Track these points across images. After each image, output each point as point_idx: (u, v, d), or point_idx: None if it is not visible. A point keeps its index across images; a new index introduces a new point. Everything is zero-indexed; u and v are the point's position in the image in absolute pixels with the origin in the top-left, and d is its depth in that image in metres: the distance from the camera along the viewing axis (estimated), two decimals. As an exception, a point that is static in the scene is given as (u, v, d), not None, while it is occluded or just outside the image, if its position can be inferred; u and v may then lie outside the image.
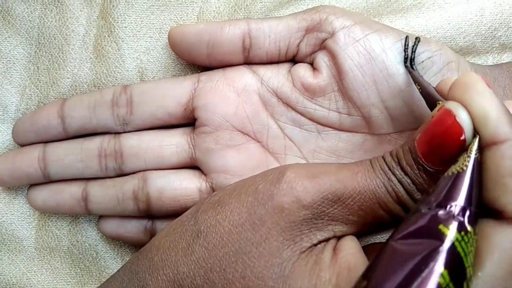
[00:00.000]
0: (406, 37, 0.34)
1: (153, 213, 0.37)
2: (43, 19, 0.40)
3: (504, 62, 0.40)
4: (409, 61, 0.33)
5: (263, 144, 0.36)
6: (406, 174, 0.27)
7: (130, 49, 0.39)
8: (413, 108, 0.34)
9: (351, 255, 0.27)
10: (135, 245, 0.41)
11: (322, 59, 0.35)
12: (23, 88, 0.40)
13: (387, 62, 0.34)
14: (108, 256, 0.41)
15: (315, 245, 0.27)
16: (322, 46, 0.35)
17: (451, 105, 0.25)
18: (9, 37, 0.40)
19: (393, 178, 0.27)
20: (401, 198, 0.27)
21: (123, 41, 0.39)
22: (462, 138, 0.24)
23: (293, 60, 0.37)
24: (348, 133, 0.36)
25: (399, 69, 0.33)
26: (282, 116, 0.36)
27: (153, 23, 0.40)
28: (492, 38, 0.39)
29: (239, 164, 0.36)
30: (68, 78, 0.39)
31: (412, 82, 0.33)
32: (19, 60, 0.40)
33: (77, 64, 0.40)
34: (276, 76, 0.36)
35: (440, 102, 0.27)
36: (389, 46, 0.34)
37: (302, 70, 0.35)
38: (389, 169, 0.27)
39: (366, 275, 0.23)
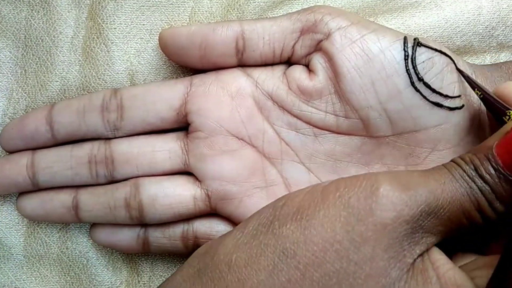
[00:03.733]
0: (405, 38, 0.33)
1: (146, 221, 0.36)
2: (30, 20, 0.39)
3: (501, 61, 0.40)
4: (410, 62, 0.33)
5: (258, 149, 0.36)
6: (486, 182, 0.27)
7: (120, 51, 0.39)
8: (412, 110, 0.34)
9: (451, 270, 0.27)
10: (127, 254, 0.40)
11: (318, 60, 0.34)
12: (10, 92, 0.39)
13: (385, 63, 0.33)
14: (99, 264, 0.40)
15: (415, 260, 0.27)
16: (317, 47, 0.35)
17: None
18: (-5, 40, 0.39)
19: (474, 186, 0.28)
20: (482, 206, 0.28)
21: (112, 43, 0.38)
22: None
23: (288, 61, 0.36)
24: (346, 136, 0.35)
25: (398, 70, 0.33)
26: (277, 120, 0.35)
27: (143, 24, 0.39)
28: (489, 37, 0.39)
29: (234, 169, 0.35)
30: (57, 81, 0.39)
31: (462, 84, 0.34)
32: (5, 63, 0.39)
33: (66, 67, 0.39)
34: (271, 78, 0.35)
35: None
36: (387, 47, 0.33)
37: (298, 72, 0.35)
38: (469, 177, 0.28)
39: None
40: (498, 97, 0.31)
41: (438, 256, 0.28)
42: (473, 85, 0.33)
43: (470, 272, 0.28)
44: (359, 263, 0.26)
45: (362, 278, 0.26)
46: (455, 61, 0.34)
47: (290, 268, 0.27)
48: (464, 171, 0.28)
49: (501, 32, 0.39)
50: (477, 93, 0.32)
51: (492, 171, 0.27)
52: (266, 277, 0.27)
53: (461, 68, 0.34)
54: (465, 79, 0.33)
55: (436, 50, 0.34)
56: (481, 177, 0.27)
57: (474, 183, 0.27)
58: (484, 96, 0.32)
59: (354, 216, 0.27)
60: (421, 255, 0.27)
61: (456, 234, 0.29)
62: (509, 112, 0.28)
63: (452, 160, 0.29)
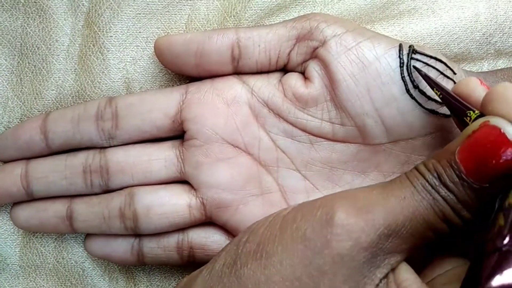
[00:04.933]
0: (400, 45, 0.33)
1: (140, 231, 0.36)
2: (26, 28, 0.39)
3: (499, 68, 0.40)
4: (405, 69, 0.33)
5: (254, 156, 0.36)
6: (450, 191, 0.26)
7: (116, 59, 0.38)
8: (407, 117, 0.33)
9: None
10: (122, 265, 0.40)
11: (313, 68, 0.34)
12: (6, 100, 0.39)
13: (380, 70, 0.33)
14: (95, 273, 0.40)
15: (377, 285, 0.26)
16: (313, 54, 0.34)
17: (498, 122, 0.25)
18: (-10, 48, 0.39)
19: (438, 197, 0.26)
20: (447, 216, 0.27)
21: (108, 51, 0.38)
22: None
23: (284, 69, 0.36)
24: (342, 143, 0.35)
25: (393, 77, 0.33)
26: (273, 128, 0.35)
27: (139, 32, 0.39)
28: (487, 44, 0.39)
29: (230, 177, 0.35)
30: (53, 90, 0.39)
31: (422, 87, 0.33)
32: (1, 71, 0.39)
33: (62, 75, 0.39)
34: (267, 86, 0.35)
35: (472, 112, 0.27)
36: (382, 54, 0.33)
37: (293, 79, 0.35)
38: (432, 187, 0.27)
39: None
40: (458, 95, 0.30)
41: (404, 276, 0.27)
42: (432, 84, 0.32)
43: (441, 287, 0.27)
44: None
45: None
46: (451, 68, 0.34)
47: None
48: (427, 181, 0.27)
49: (499, 39, 0.39)
50: (436, 93, 0.31)
51: (456, 179, 0.26)
52: None
53: (458, 75, 0.34)
54: (423, 78, 0.32)
55: (431, 57, 0.34)
56: (445, 185, 0.26)
57: (438, 193, 0.26)
58: (444, 96, 0.30)
59: (311, 250, 0.26)
60: (385, 276, 0.27)
61: (423, 246, 0.28)
62: (470, 113, 0.27)
63: (415, 168, 0.28)
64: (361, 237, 0.26)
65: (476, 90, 0.30)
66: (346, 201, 0.27)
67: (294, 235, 0.27)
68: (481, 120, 0.26)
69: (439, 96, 0.31)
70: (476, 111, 0.28)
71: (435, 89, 0.31)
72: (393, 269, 0.27)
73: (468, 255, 0.29)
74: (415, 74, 0.33)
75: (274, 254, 0.27)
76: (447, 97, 0.30)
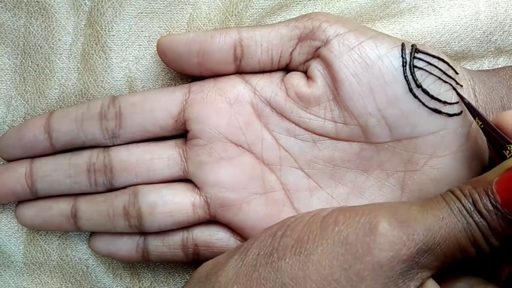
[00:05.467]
0: (403, 44, 0.34)
1: (145, 229, 0.36)
2: (29, 28, 0.39)
3: (500, 66, 0.40)
4: (408, 68, 0.33)
5: (257, 155, 0.36)
6: (483, 218, 0.28)
7: (118, 58, 0.39)
8: (410, 116, 0.34)
9: None
10: (127, 263, 0.40)
11: (316, 67, 0.35)
12: (9, 99, 0.39)
13: (383, 70, 0.33)
14: (99, 270, 0.40)
15: None
16: (315, 54, 0.35)
17: None
18: (-7, 47, 0.39)
19: (472, 222, 0.28)
20: (477, 241, 0.28)
21: (111, 50, 0.38)
22: None
23: (286, 68, 0.36)
24: (345, 142, 0.35)
25: (396, 77, 0.33)
26: (276, 127, 0.35)
27: (142, 31, 0.39)
28: (487, 42, 0.39)
29: (233, 176, 0.35)
30: (56, 88, 0.39)
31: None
32: (4, 70, 0.39)
33: (65, 74, 0.39)
34: (269, 85, 0.35)
35: None
36: (385, 53, 0.33)
37: (296, 79, 0.35)
38: (468, 212, 0.28)
39: None
40: (498, 126, 0.31)
41: None
42: (474, 113, 0.32)
43: None
44: None
45: None
46: (454, 67, 0.34)
47: None
48: (463, 205, 0.28)
49: (499, 37, 0.39)
50: (477, 123, 0.32)
51: (490, 207, 0.27)
52: None
53: (460, 75, 0.34)
54: (466, 106, 0.33)
55: (434, 56, 0.34)
56: (479, 212, 0.28)
57: (472, 218, 0.28)
58: (484, 126, 0.31)
59: (352, 254, 0.27)
60: None
61: (450, 265, 0.29)
62: (510, 147, 0.28)
63: (451, 191, 0.29)
64: (402, 250, 0.27)
65: None
66: (388, 213, 0.28)
67: (336, 238, 0.28)
68: None
69: (480, 126, 0.31)
70: None
71: (476, 118, 0.32)
72: (422, 284, 0.28)
73: (481, 275, 0.31)
74: (419, 73, 0.33)
75: (314, 253, 0.28)
76: (487, 128, 0.31)
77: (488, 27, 0.39)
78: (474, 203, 0.28)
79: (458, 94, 0.34)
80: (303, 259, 0.28)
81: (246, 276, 0.29)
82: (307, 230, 0.29)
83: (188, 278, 0.40)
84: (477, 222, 0.27)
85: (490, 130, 0.31)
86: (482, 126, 0.31)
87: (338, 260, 0.27)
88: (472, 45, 0.39)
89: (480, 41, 0.39)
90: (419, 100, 0.33)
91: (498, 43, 0.39)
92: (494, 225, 0.27)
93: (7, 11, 0.39)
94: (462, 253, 0.28)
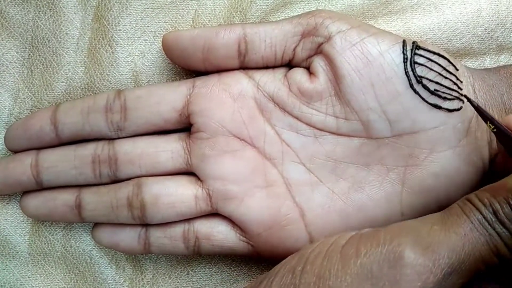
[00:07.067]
0: (404, 41, 0.34)
1: (148, 220, 0.36)
2: (37, 21, 0.39)
3: (501, 63, 0.40)
4: (409, 64, 0.33)
5: (259, 149, 0.36)
6: (506, 228, 0.27)
7: (124, 53, 0.39)
8: (411, 112, 0.34)
9: None
10: (129, 254, 0.41)
11: (318, 63, 0.35)
12: (17, 92, 0.40)
13: (384, 66, 0.34)
14: (102, 261, 0.41)
15: None
16: (318, 50, 0.35)
17: None
18: (2, 40, 0.39)
19: (494, 233, 0.27)
20: (500, 251, 0.27)
21: (117, 44, 0.39)
22: None
23: (289, 64, 0.37)
24: (346, 137, 0.35)
25: (397, 72, 0.33)
26: (278, 121, 0.36)
27: (147, 26, 0.39)
28: (489, 39, 0.39)
29: (235, 170, 0.36)
30: (62, 82, 0.39)
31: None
32: (12, 63, 0.40)
33: (71, 68, 0.39)
34: (272, 81, 0.36)
35: None
36: (386, 50, 0.34)
37: (299, 74, 0.35)
38: (489, 224, 0.27)
39: None
40: (509, 128, 0.30)
41: None
42: (485, 117, 0.31)
43: None
44: None
45: None
46: (454, 64, 0.35)
47: None
48: (484, 217, 0.27)
49: (500, 34, 0.39)
50: (489, 127, 0.31)
51: None
52: None
53: (460, 72, 0.35)
54: (477, 111, 0.32)
55: (434, 53, 0.34)
56: (501, 222, 0.27)
57: (494, 229, 0.27)
58: (497, 130, 0.30)
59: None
60: None
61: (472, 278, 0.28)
62: None
63: (468, 200, 0.28)
64: (429, 278, 0.26)
65: None
66: (411, 239, 0.27)
67: (360, 272, 0.27)
68: None
69: (492, 130, 0.31)
70: None
71: (488, 122, 0.31)
72: None
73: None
74: (419, 69, 0.33)
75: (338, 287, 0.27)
76: (500, 132, 0.30)
77: (489, 24, 0.39)
78: (495, 213, 0.27)
79: (467, 98, 0.33)
80: None
81: None
82: (327, 264, 0.28)
83: (190, 271, 0.41)
84: (499, 232, 0.26)
85: (504, 134, 0.30)
86: (495, 130, 0.30)
87: None
88: (474, 42, 0.39)
89: (482, 38, 0.39)
90: (420, 95, 0.33)
91: (499, 40, 0.39)
92: None
93: (16, 5, 0.39)
94: (485, 265, 0.27)
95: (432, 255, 0.26)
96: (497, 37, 0.39)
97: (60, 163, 0.37)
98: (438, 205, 0.35)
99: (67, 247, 0.41)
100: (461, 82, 0.34)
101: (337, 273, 0.27)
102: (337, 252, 0.28)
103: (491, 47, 0.40)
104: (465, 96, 0.34)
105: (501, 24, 0.39)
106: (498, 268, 0.28)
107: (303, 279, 0.28)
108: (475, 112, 0.33)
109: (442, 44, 0.39)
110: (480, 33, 0.39)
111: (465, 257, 0.27)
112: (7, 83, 0.40)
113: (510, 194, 0.27)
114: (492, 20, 0.39)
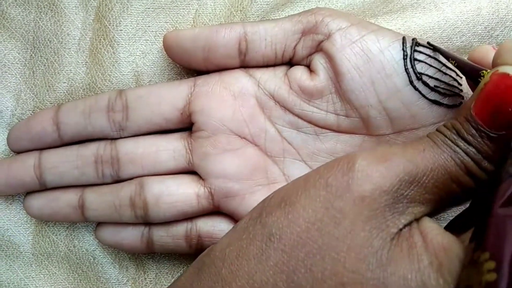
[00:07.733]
0: (404, 38, 0.34)
1: (150, 219, 0.36)
2: (38, 22, 0.39)
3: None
4: (408, 61, 0.33)
5: (261, 147, 0.36)
6: (469, 144, 0.27)
7: (125, 53, 0.39)
8: (411, 108, 0.34)
9: (439, 235, 0.26)
10: (132, 253, 0.41)
11: (318, 61, 0.35)
12: (19, 92, 0.40)
13: (384, 63, 0.34)
14: (105, 261, 0.41)
15: (401, 229, 0.27)
16: (318, 48, 0.35)
17: (506, 68, 0.26)
18: (3, 41, 0.40)
19: (459, 150, 0.27)
20: (470, 169, 0.27)
21: (118, 44, 0.39)
22: None
23: (290, 62, 0.37)
24: (347, 134, 0.36)
25: (397, 69, 0.33)
26: (279, 119, 0.36)
27: (148, 26, 0.39)
28: (489, 38, 0.39)
29: (237, 168, 0.36)
30: (64, 82, 0.39)
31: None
32: (14, 64, 0.40)
33: (73, 68, 0.39)
34: (273, 79, 0.36)
35: (485, 71, 0.28)
36: (386, 47, 0.34)
37: (299, 72, 0.35)
38: (452, 142, 0.28)
39: (481, 246, 0.23)
40: (473, 61, 0.31)
41: (428, 224, 0.27)
42: (447, 55, 0.32)
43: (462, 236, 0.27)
44: (340, 237, 0.26)
45: (344, 250, 0.26)
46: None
47: (277, 252, 0.27)
48: (446, 136, 0.28)
49: (500, 32, 0.39)
50: (451, 63, 0.32)
51: (474, 131, 0.27)
52: (256, 264, 0.27)
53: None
54: (438, 51, 0.33)
55: (435, 48, 0.34)
56: (464, 139, 0.27)
57: (458, 146, 0.27)
58: (459, 64, 0.31)
59: (333, 194, 0.27)
60: (409, 224, 0.27)
61: (451, 201, 0.29)
62: (483, 72, 0.28)
63: (436, 129, 0.29)
64: (381, 181, 0.27)
65: (488, 53, 0.31)
66: (366, 152, 0.28)
67: (317, 184, 0.28)
68: (491, 72, 0.27)
69: (454, 64, 0.32)
70: (489, 70, 0.28)
71: (450, 59, 0.32)
72: (417, 219, 0.28)
73: None
74: (419, 66, 0.34)
75: (298, 201, 0.28)
76: (461, 64, 0.31)
77: (489, 23, 0.39)
78: (458, 132, 0.28)
79: (428, 42, 0.34)
80: (287, 209, 0.28)
81: (237, 239, 0.29)
82: (292, 186, 0.29)
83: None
84: (464, 149, 0.27)
85: (465, 65, 0.31)
86: (456, 64, 0.31)
87: (320, 202, 0.27)
88: (474, 40, 0.39)
89: (482, 36, 0.39)
90: (420, 92, 0.33)
91: (499, 38, 0.39)
92: (482, 148, 0.27)
93: (17, 6, 0.39)
94: (457, 184, 0.28)
95: (385, 163, 0.27)
96: (497, 35, 0.39)
97: (62, 163, 0.37)
98: None
99: (71, 247, 0.41)
100: (461, 78, 0.34)
101: (298, 190, 0.29)
102: (302, 178, 0.30)
103: (491, 45, 0.40)
104: (431, 45, 0.34)
105: (501, 23, 0.39)
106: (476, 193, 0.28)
107: (271, 202, 0.30)
108: None
109: (442, 42, 0.39)
110: (480, 31, 0.39)
111: (425, 169, 0.27)
112: (9, 84, 0.40)
113: (468, 111, 0.27)
114: (492, 19, 0.39)
